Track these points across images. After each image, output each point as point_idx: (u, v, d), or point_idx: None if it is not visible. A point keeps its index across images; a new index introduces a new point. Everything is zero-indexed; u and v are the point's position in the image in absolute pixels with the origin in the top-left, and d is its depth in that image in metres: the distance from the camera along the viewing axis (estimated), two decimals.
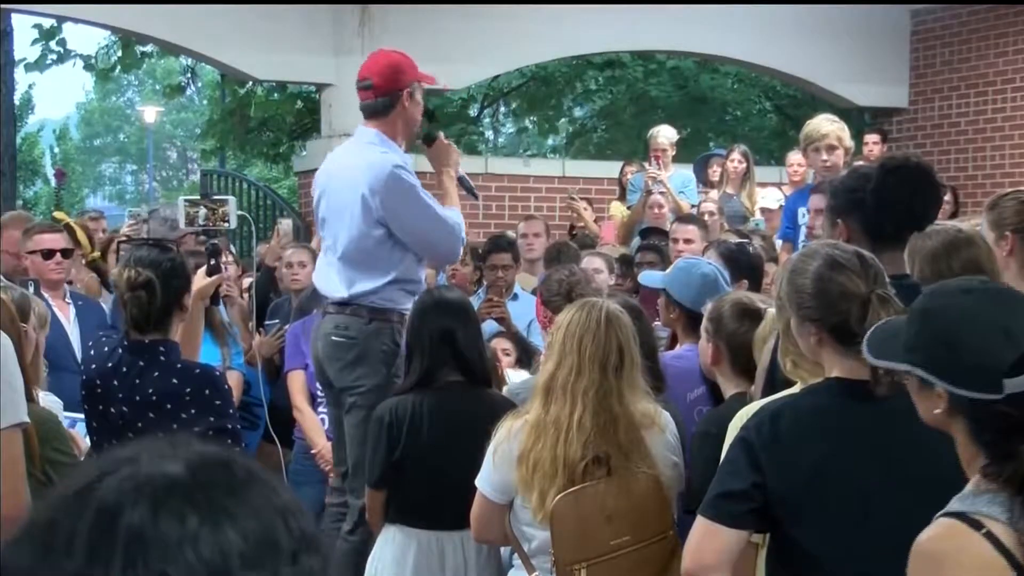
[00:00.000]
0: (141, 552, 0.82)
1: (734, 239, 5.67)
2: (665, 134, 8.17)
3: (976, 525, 1.92)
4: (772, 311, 3.37)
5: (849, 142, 5.90)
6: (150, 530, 0.83)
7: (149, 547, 0.83)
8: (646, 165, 8.12)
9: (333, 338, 4.42)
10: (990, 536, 1.90)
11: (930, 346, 2.07)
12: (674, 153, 8.22)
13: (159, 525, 0.83)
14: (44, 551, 0.84)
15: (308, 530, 0.90)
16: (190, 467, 0.88)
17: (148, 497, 0.85)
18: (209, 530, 0.84)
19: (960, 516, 1.94)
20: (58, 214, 7.30)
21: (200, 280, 3.91)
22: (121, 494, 0.85)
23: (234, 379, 5.05)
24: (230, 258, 5.73)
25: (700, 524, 2.52)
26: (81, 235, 6.66)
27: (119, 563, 0.82)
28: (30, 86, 33.08)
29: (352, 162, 4.49)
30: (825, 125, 5.86)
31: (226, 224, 4.37)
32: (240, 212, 4.83)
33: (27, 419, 2.88)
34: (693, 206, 7.63)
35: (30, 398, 3.41)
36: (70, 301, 5.48)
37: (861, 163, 6.29)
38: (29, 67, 13.18)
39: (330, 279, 4.50)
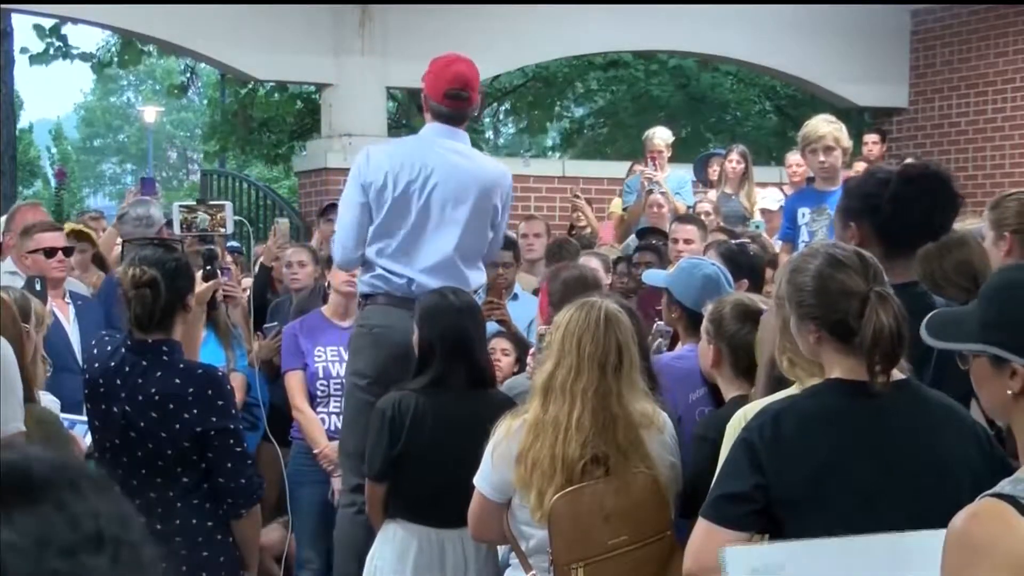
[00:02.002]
0: None
1: (732, 239, 5.68)
2: (661, 135, 8.17)
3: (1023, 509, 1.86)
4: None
5: (847, 142, 5.90)
6: None
7: None
8: (642, 167, 8.13)
9: None
10: None
11: (1013, 321, 2.02)
12: (670, 154, 8.23)
13: None
14: None
15: (106, 533, 0.97)
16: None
17: None
18: None
19: (1010, 499, 1.87)
20: (70, 225, 7.47)
21: (197, 285, 3.92)
22: None
23: (238, 381, 5.05)
24: (229, 258, 5.74)
25: (702, 525, 2.52)
26: (90, 233, 6.84)
27: None
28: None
29: (464, 161, 4.53)
30: (822, 126, 5.85)
31: (223, 229, 4.39)
32: (237, 217, 4.84)
33: (24, 427, 2.88)
34: (689, 207, 7.64)
35: (31, 398, 3.42)
36: (69, 301, 5.48)
37: (877, 166, 6.28)
38: (34, 60, 13.20)
39: (438, 277, 4.41)
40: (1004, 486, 1.92)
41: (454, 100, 4.50)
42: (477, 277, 4.60)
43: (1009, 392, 2.02)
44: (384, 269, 4.47)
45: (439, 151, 4.51)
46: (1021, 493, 1.89)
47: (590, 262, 5.92)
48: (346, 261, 4.68)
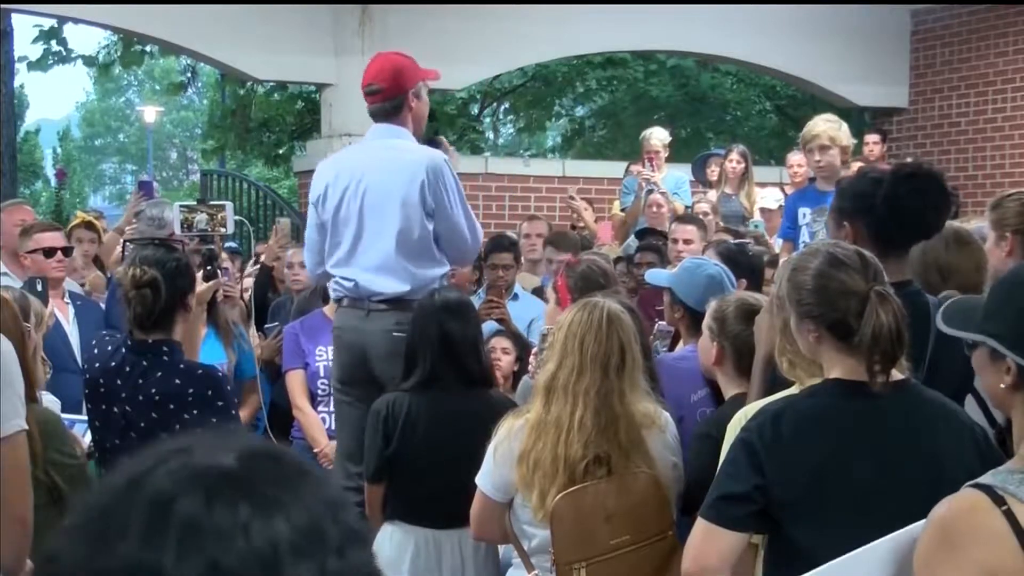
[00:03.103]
0: (195, 540, 0.84)
1: (733, 239, 5.69)
2: (658, 136, 8.18)
3: (999, 501, 1.91)
4: None
5: (846, 141, 5.88)
6: (204, 519, 0.85)
7: (203, 535, 0.84)
8: (638, 168, 8.14)
9: (395, 334, 4.31)
10: (1009, 514, 1.89)
11: (1009, 317, 2.06)
12: (667, 155, 8.23)
13: (213, 515, 0.85)
14: (98, 537, 0.85)
15: (354, 525, 0.91)
16: (242, 459, 0.90)
17: (202, 487, 0.86)
18: (260, 520, 0.85)
19: (986, 489, 1.93)
20: (81, 215, 7.57)
21: (197, 285, 3.92)
22: (175, 483, 0.87)
23: (253, 393, 5.08)
24: (226, 256, 5.73)
25: (701, 526, 2.52)
26: (97, 225, 6.92)
27: (173, 550, 0.83)
28: (21, 86, 32.96)
29: (391, 155, 4.51)
30: (819, 125, 5.87)
31: (224, 229, 4.40)
32: (237, 217, 4.85)
33: (26, 426, 2.87)
34: (687, 207, 7.64)
35: (32, 398, 3.41)
36: (68, 301, 5.47)
37: (869, 166, 6.28)
38: (32, 66, 13.18)
39: (381, 277, 4.45)
40: (986, 477, 1.96)
41: (368, 96, 4.61)
42: (428, 272, 4.49)
43: (1002, 385, 2.06)
44: (338, 276, 4.57)
45: (372, 151, 4.60)
46: (999, 483, 1.93)
47: None
48: (314, 279, 5.00)
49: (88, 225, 6.87)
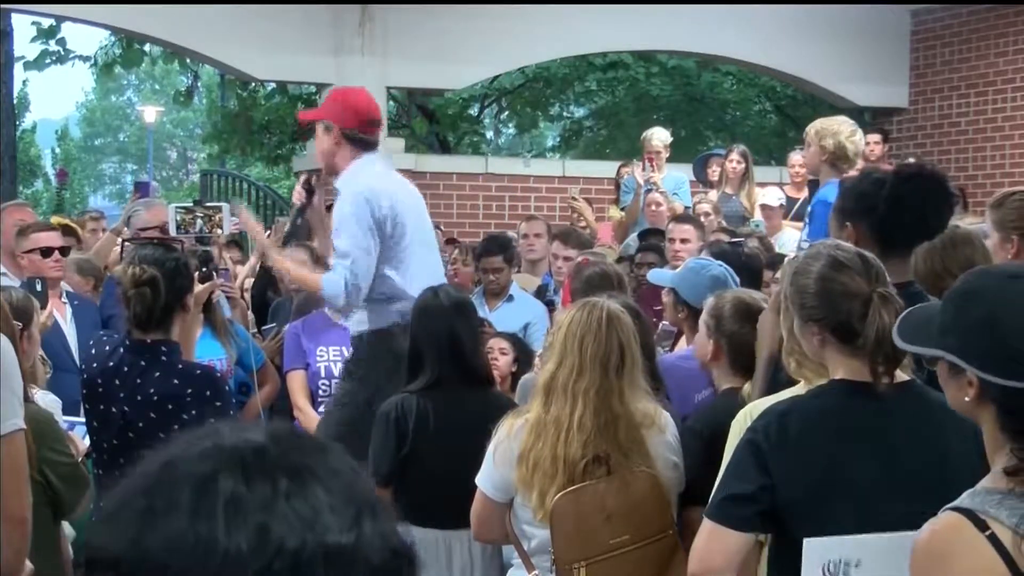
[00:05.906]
0: (241, 511, 0.89)
1: (727, 239, 5.68)
2: (659, 136, 8.19)
3: (982, 526, 1.90)
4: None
5: (832, 139, 5.78)
6: (244, 492, 0.90)
7: (247, 506, 0.89)
8: (628, 169, 8.14)
9: None
10: (993, 539, 1.88)
11: (966, 330, 2.02)
12: (667, 155, 8.23)
13: (253, 487, 0.90)
14: (144, 517, 0.90)
15: (375, 496, 0.97)
16: (270, 436, 0.95)
17: (238, 463, 0.91)
18: (298, 487, 0.91)
19: (968, 513, 1.92)
20: (56, 219, 7.54)
21: (195, 286, 3.91)
22: (213, 462, 0.92)
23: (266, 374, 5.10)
24: (228, 256, 5.72)
25: (707, 526, 2.52)
26: (76, 228, 6.90)
27: (222, 520, 0.88)
28: (24, 82, 32.96)
29: (412, 190, 4.80)
30: (812, 124, 5.87)
31: (220, 231, 4.39)
32: (235, 217, 4.84)
33: (23, 425, 2.87)
34: (686, 207, 7.64)
35: (27, 398, 3.41)
36: (66, 300, 5.46)
37: (872, 166, 6.24)
38: (28, 65, 13.18)
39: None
40: (964, 499, 1.94)
41: (376, 127, 4.67)
42: None
43: (967, 399, 2.02)
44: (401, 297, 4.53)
45: (399, 181, 4.77)
46: (979, 506, 1.91)
47: None
48: (359, 300, 4.62)
49: (65, 229, 6.83)
